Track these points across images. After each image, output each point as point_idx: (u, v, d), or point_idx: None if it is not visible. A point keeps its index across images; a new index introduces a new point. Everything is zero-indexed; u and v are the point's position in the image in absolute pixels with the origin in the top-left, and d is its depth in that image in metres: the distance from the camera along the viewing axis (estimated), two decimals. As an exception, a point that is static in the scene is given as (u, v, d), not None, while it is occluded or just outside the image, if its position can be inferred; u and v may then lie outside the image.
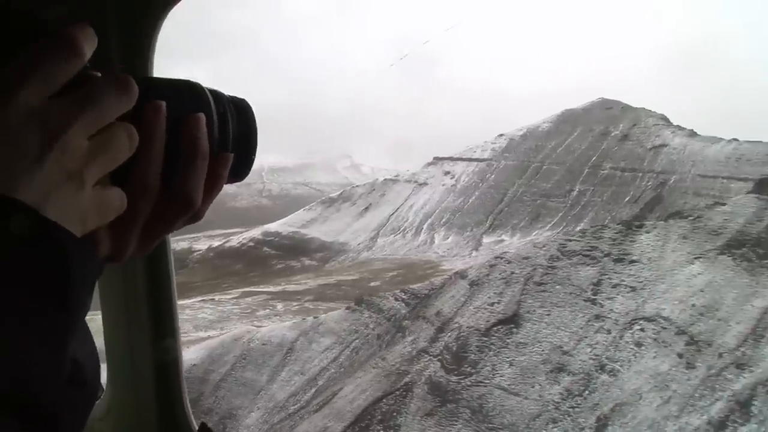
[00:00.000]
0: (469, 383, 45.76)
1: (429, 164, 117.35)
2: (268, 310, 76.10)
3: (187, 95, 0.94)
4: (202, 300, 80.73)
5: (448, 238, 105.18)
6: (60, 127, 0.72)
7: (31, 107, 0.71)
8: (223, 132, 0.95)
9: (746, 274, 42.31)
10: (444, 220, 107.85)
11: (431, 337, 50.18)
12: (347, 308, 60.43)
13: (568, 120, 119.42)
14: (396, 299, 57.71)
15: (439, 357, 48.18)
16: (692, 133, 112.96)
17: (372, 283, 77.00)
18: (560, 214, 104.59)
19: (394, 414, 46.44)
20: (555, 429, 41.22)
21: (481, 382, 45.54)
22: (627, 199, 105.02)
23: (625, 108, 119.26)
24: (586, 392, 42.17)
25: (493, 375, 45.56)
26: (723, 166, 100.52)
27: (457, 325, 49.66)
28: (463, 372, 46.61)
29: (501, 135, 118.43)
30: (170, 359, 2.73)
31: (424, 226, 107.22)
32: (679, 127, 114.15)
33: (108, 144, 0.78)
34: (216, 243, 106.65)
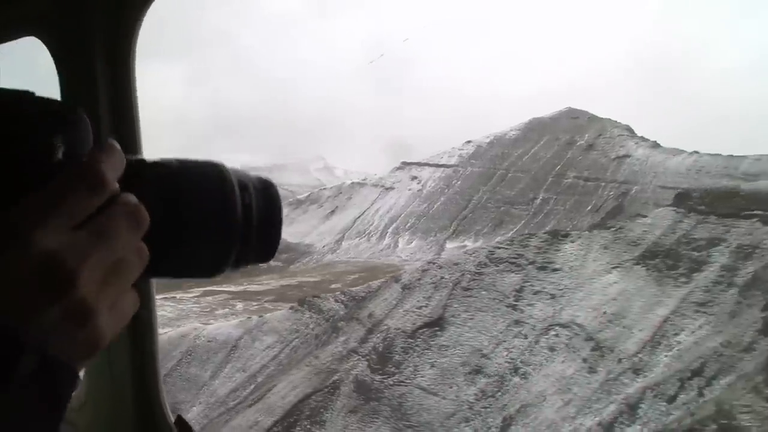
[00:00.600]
0: (391, 383, 47.54)
1: (396, 168, 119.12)
2: (227, 310, 77.39)
3: (209, 185, 0.91)
4: (164, 298, 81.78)
5: (411, 242, 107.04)
6: (76, 265, 0.75)
7: (50, 246, 0.74)
8: (246, 218, 0.92)
9: (654, 284, 44.23)
10: (409, 224, 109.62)
11: (361, 338, 51.96)
12: (291, 308, 62.22)
13: (535, 128, 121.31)
14: (336, 300, 59.53)
15: (367, 357, 49.95)
16: (655, 145, 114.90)
17: (333, 285, 78.21)
18: (523, 222, 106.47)
19: (321, 410, 48.16)
20: (466, 428, 43.02)
21: (402, 381, 47.32)
22: (589, 208, 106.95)
23: (592, 118, 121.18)
24: (499, 393, 44.01)
25: (415, 375, 47.34)
26: (683, 177, 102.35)
27: (386, 326, 51.45)
28: (387, 372, 48.38)
29: (468, 141, 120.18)
30: (147, 352, 2.79)
31: (389, 230, 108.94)
32: (643, 138, 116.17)
33: (120, 270, 0.80)
34: None
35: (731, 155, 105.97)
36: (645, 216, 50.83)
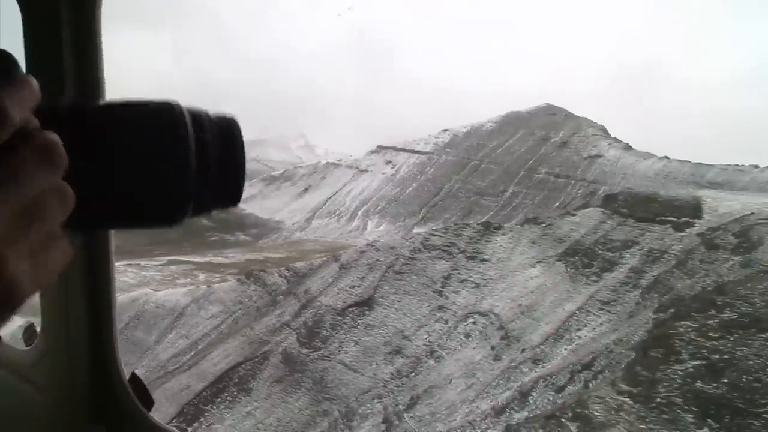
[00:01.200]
0: (316, 357, 49.59)
1: (372, 152, 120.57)
2: (188, 279, 79.23)
3: (156, 123, 0.84)
4: (128, 264, 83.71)
5: (380, 225, 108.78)
6: None
7: None
8: (201, 159, 0.83)
9: (569, 280, 46.19)
10: (379, 208, 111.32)
11: (295, 313, 54.00)
12: (238, 280, 64.23)
13: (512, 122, 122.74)
14: (280, 276, 61.53)
15: (297, 331, 52.00)
16: (627, 147, 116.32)
17: (297, 263, 79.99)
18: (491, 213, 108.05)
19: (249, 378, 50.23)
20: (378, 404, 45.08)
21: (327, 356, 49.36)
22: (557, 204, 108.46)
23: (568, 116, 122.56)
24: (413, 374, 46.04)
25: (339, 351, 49.37)
26: (651, 181, 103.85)
27: (319, 303, 53.47)
28: (313, 346, 50.42)
29: (445, 130, 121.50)
30: (103, 311, 2.79)
31: (359, 212, 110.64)
32: (616, 140, 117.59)
33: (34, 213, 0.72)
34: None
35: (700, 163, 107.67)
36: (574, 215, 52.65)
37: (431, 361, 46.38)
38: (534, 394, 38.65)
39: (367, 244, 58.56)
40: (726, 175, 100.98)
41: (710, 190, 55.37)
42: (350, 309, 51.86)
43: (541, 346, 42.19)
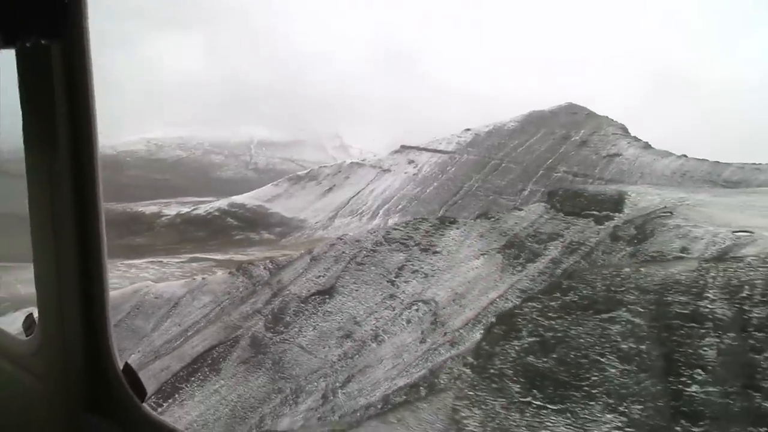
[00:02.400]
0: (278, 340, 54.40)
1: (395, 152, 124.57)
2: (207, 276, 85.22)
3: None
4: (151, 261, 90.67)
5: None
6: None
7: None
8: None
9: (499, 271, 49.48)
10: (400, 207, 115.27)
11: (267, 301, 59.05)
12: (229, 273, 69.86)
13: (534, 121, 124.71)
14: (264, 268, 66.77)
15: (265, 317, 56.96)
16: (646, 146, 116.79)
17: (281, 257, 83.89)
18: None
19: (220, 360, 55.54)
20: (322, 382, 49.49)
21: (287, 340, 54.10)
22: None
23: (590, 115, 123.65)
24: (357, 356, 50.23)
25: (298, 335, 54.03)
26: (668, 179, 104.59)
27: (288, 292, 58.30)
28: (277, 331, 55.26)
29: (468, 129, 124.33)
30: (97, 303, 2.90)
31: (381, 211, 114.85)
32: (636, 139, 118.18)
33: None
34: (185, 210, 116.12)
35: (717, 161, 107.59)
36: (521, 209, 55.72)
37: (374, 345, 50.41)
38: (443, 375, 42.31)
39: (338, 238, 63.03)
40: (742, 173, 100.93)
41: (636, 186, 57.41)
42: (313, 297, 56.44)
43: (461, 330, 45.69)
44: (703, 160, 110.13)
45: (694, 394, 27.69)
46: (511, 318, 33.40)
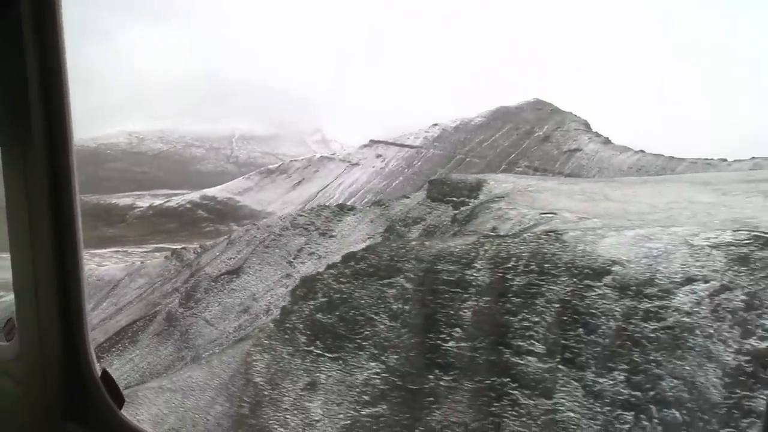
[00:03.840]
0: (188, 314, 59.92)
1: (364, 146, 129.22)
2: (145, 260, 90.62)
3: None
4: (117, 251, 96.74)
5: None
6: None
7: None
8: None
9: (374, 251, 54.36)
10: (365, 200, 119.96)
11: (185, 280, 64.67)
12: (165, 257, 75.67)
13: (500, 116, 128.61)
14: (195, 252, 72.37)
15: (181, 294, 62.53)
16: (606, 141, 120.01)
17: (209, 242, 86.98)
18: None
19: (139, 333, 61.27)
20: (216, 348, 54.87)
21: (195, 314, 59.59)
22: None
23: (555, 110, 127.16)
24: (248, 327, 55.53)
25: (204, 310, 59.50)
26: (624, 174, 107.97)
27: (203, 272, 63.79)
28: (188, 306, 60.78)
29: (435, 124, 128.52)
30: (75, 310, 2.94)
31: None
32: (597, 134, 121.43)
33: None
34: (157, 202, 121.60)
35: (672, 157, 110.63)
36: (408, 197, 60.48)
37: (264, 318, 55.68)
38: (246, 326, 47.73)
39: (252, 224, 68.31)
40: (695, 168, 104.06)
41: (497, 174, 61.73)
42: (222, 276, 61.88)
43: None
44: (659, 155, 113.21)
45: (449, 348, 32.54)
46: (312, 282, 38.57)
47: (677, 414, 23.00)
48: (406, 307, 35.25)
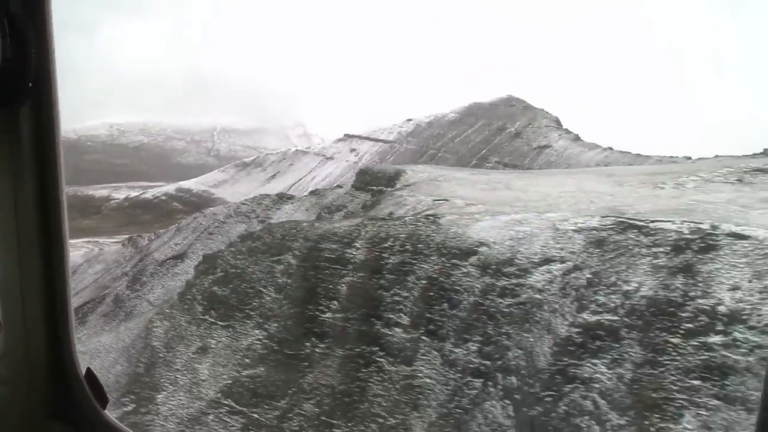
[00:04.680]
0: (133, 296, 62.91)
1: (339, 140, 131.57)
2: (103, 247, 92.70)
3: None
4: (88, 241, 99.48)
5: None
6: None
7: None
8: None
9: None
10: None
11: (134, 265, 67.64)
12: (122, 244, 78.69)
13: (473, 113, 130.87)
14: (149, 239, 75.33)
15: (128, 278, 65.52)
16: (576, 138, 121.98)
17: (161, 229, 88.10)
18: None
19: (88, 314, 64.27)
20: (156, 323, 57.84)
21: (140, 296, 62.57)
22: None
23: (527, 107, 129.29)
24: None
25: (149, 292, 62.43)
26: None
27: (151, 257, 66.75)
28: (134, 289, 63.76)
29: (409, 120, 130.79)
30: (60, 309, 2.91)
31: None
32: (567, 131, 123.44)
33: None
34: (134, 193, 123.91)
35: (639, 154, 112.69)
36: (341, 186, 63.21)
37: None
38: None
39: (200, 211, 71.22)
40: (659, 166, 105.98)
41: (417, 166, 64.38)
42: (168, 261, 64.83)
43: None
44: (626, 152, 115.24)
45: (325, 319, 35.34)
46: (213, 259, 41.52)
47: (514, 380, 25.54)
48: (290, 281, 37.96)
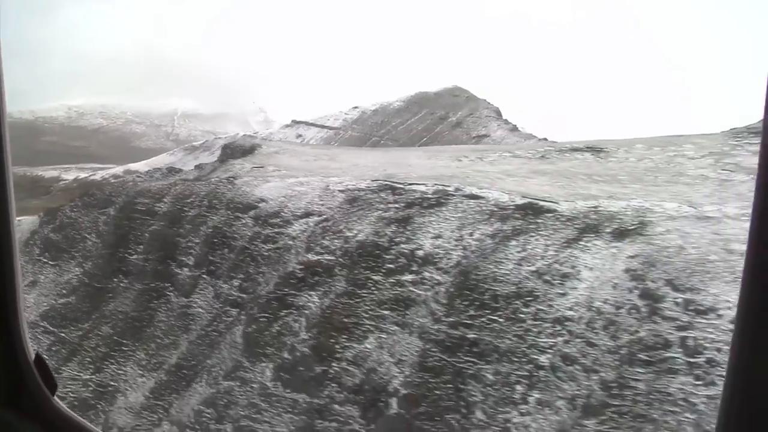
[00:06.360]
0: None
1: (286, 126, 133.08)
2: (21, 218, 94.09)
3: None
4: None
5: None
6: None
7: None
8: None
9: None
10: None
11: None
12: (38, 215, 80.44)
13: (419, 101, 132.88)
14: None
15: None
16: (514, 128, 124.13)
17: None
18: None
19: None
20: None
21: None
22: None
23: (470, 97, 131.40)
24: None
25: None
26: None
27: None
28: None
29: (355, 107, 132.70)
30: (8, 294, 2.84)
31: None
32: (506, 121, 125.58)
33: None
34: (83, 175, 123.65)
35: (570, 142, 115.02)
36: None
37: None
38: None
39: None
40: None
41: (275, 141, 66.64)
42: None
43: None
44: (556, 142, 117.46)
45: (131, 260, 37.79)
46: (54, 212, 45.53)
47: (256, 309, 28.28)
48: (108, 229, 41.21)
